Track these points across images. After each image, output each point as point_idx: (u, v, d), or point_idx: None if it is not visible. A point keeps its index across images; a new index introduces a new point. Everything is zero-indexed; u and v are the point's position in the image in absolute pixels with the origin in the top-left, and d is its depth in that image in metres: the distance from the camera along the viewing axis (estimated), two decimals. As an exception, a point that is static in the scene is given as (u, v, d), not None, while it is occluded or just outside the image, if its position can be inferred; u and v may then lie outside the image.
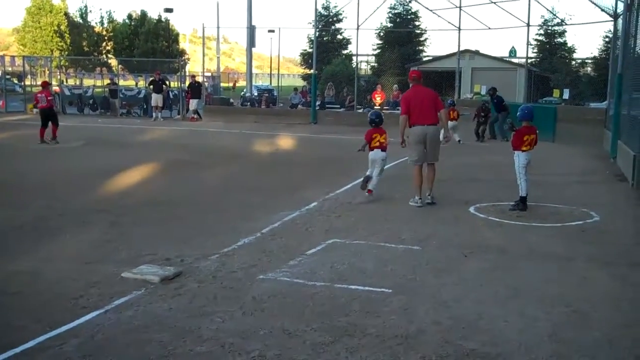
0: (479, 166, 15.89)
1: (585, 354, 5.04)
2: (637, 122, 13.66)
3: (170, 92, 31.65)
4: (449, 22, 39.78)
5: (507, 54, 45.68)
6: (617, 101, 18.05)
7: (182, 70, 36.32)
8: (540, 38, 52.54)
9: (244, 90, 43.85)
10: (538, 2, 27.68)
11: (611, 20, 23.86)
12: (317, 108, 31.17)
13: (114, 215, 9.69)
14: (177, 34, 57.81)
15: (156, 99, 29.92)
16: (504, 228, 9.50)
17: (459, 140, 21.52)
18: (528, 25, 27.50)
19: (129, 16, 57.37)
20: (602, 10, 24.29)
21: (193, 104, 30.15)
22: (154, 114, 30.06)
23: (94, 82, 37.18)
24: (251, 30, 35.08)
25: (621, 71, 18.27)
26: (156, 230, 8.88)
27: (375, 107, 32.01)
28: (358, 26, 31.59)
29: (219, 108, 32.83)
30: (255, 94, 42.59)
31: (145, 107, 32.38)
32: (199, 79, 34.03)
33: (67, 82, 37.57)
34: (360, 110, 32.75)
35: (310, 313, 5.77)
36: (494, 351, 5.04)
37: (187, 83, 31.42)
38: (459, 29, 29.64)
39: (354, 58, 61.14)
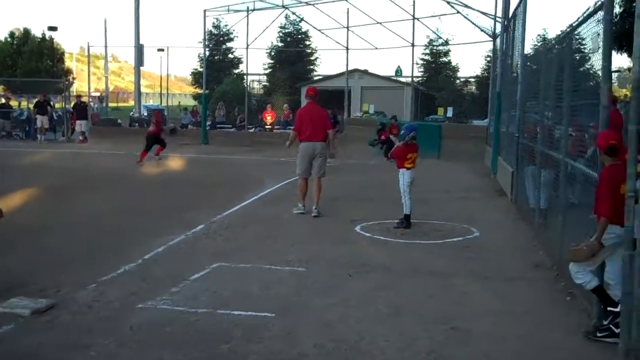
0: (368, 184, 16.12)
1: (463, 371, 5.14)
2: (514, 139, 14.22)
3: (54, 114, 30.54)
4: (337, 42, 40.53)
5: (394, 73, 46.79)
6: (496, 118, 18.78)
7: (67, 90, 35.17)
8: (427, 57, 54.35)
9: (132, 110, 42.95)
10: (422, 24, 28.38)
11: (490, 40, 24.88)
12: (208, 128, 30.89)
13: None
14: (63, 53, 55.99)
15: (41, 121, 28.73)
16: (388, 246, 9.65)
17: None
18: (413, 45, 28.28)
19: (11, 34, 55.19)
20: (482, 30, 25.30)
21: (80, 125, 29.20)
22: (38, 137, 28.84)
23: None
24: (139, 49, 34.46)
25: (499, 89, 19.04)
26: (29, 259, 8.42)
27: (266, 127, 32.14)
28: (247, 45, 31.61)
29: (106, 129, 31.95)
30: (145, 113, 41.75)
31: (27, 129, 31.07)
32: (85, 99, 33.02)
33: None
34: (252, 130, 32.74)
35: (190, 342, 5.61)
36: (375, 373, 5.06)
37: (72, 104, 30.40)
38: (347, 48, 30.17)
39: (245, 77, 61.70)
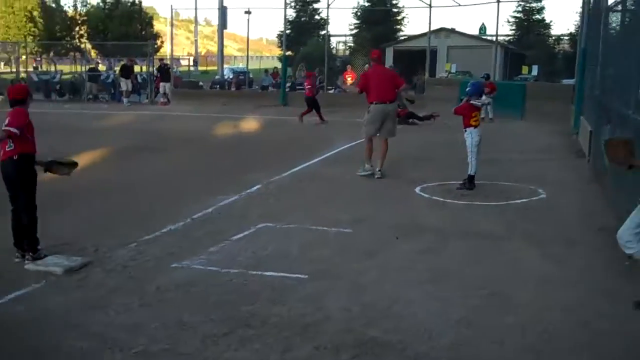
0: (440, 144, 15.58)
1: (493, 341, 4.78)
2: (594, 97, 13.40)
3: (139, 76, 31.11)
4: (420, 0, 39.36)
5: (478, 32, 45.25)
6: (580, 77, 17.83)
7: (155, 54, 35.68)
8: (519, 15, 52.22)
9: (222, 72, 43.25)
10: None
11: (579, -5, 23.53)
12: (288, 90, 30.75)
13: (39, 201, 9.25)
14: (152, 17, 56.90)
15: (126, 84, 29.36)
16: (445, 208, 9.25)
17: (492, 118, 21.22)
18: (498, 1, 27.08)
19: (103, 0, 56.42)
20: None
21: (164, 87, 29.62)
22: (123, 99, 29.48)
23: (70, 68, 36.61)
24: (222, 11, 34.53)
25: (585, 45, 18.01)
26: (81, 218, 8.50)
27: (345, 87, 31.74)
28: (329, 4, 31.11)
29: (188, 92, 32.30)
30: (231, 76, 42.04)
31: (113, 92, 31.81)
32: (168, 62, 33.43)
33: (41, 67, 36.88)
34: (331, 91, 32.39)
35: (213, 303, 5.47)
36: (395, 338, 4.78)
37: (157, 67, 30.81)
38: (430, 5, 29.15)
39: (326, 38, 61.13)
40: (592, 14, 17.48)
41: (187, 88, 33.19)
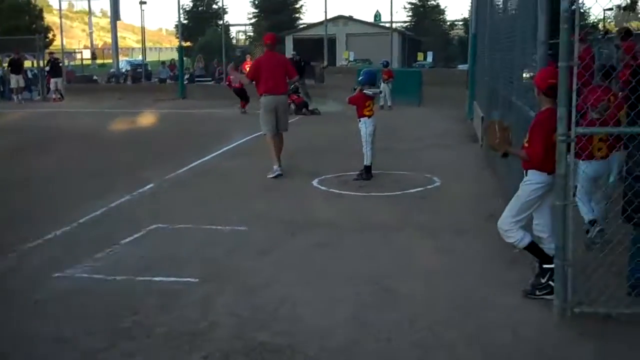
0: (339, 135, 15.55)
1: (381, 338, 4.74)
2: (485, 83, 13.69)
3: (29, 72, 29.69)
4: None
5: (373, 18, 45.83)
6: (472, 62, 18.22)
7: (42, 48, 34.17)
8: (414, 1, 53.20)
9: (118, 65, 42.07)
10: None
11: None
12: (186, 82, 30.21)
13: None
14: (41, 9, 54.69)
15: (17, 80, 27.89)
16: (342, 200, 9.23)
17: (390, 106, 21.32)
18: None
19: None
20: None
21: (55, 83, 28.46)
22: (14, 97, 28.03)
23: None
24: (114, 1, 33.49)
25: (475, 31, 18.39)
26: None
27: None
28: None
29: (82, 87, 31.26)
30: (128, 69, 41.03)
31: (2, 89, 30.36)
32: (59, 57, 32.16)
33: None
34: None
35: (95, 315, 5.20)
36: (285, 342, 4.66)
37: (46, 61, 29.57)
38: (325, -6, 29.21)
39: (231, 28, 60.57)
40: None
41: (81, 83, 32.10)
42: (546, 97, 5.14)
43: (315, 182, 10.25)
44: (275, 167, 10.81)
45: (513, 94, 8.28)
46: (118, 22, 41.83)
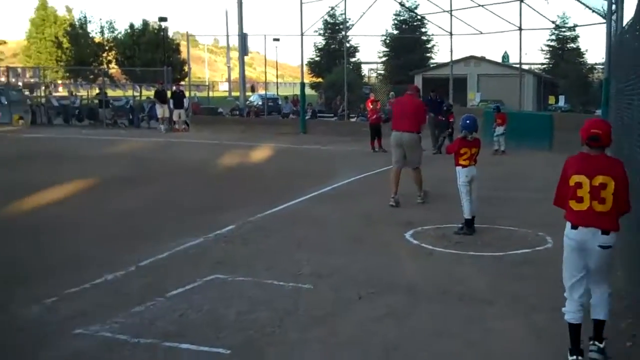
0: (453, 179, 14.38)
1: None
2: (617, 130, 12.13)
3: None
4: (439, 27, 38.29)
5: (515, 60, 43.96)
6: (604, 108, 16.55)
7: (182, 80, 34.93)
8: (553, 43, 50.95)
9: (245, 99, 42.63)
10: (528, 6, 25.67)
11: (604, 23, 22.16)
12: (308, 117, 29.85)
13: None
14: (178, 44, 56.73)
15: (162, 110, 28.19)
16: (431, 259, 8.08)
17: (503, 150, 20.11)
18: (520, 29, 25.81)
19: (131, 26, 56.55)
20: (593, 11, 22.60)
21: (176, 114, 28.76)
22: (161, 126, 28.30)
23: (88, 92, 36.31)
24: (242, 37, 33.92)
25: (608, 75, 16.75)
26: (7, 265, 7.52)
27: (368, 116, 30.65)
28: (345, 33, 30.17)
29: (208, 118, 31.53)
30: (260, 102, 41.36)
31: (131, 117, 31.24)
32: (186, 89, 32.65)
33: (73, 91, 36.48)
34: (354, 120, 31.38)
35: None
36: None
37: (171, 93, 29.99)
38: (451, 34, 28.01)
39: (362, 66, 60.37)
40: (615, 41, 16.24)
41: (206, 114, 32.45)
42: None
43: (408, 234, 9.17)
44: (391, 195, 11.42)
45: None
46: (258, 58, 42.50)
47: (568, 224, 5.03)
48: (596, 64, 48.02)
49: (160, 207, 11.21)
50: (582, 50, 50.25)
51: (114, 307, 6.04)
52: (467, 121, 9.46)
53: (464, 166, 9.29)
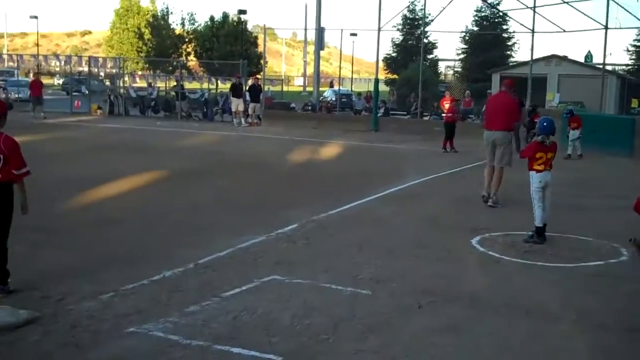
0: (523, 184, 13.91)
1: None
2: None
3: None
4: (522, 24, 37.26)
5: (598, 60, 42.41)
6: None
7: (257, 73, 34.97)
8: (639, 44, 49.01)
9: (318, 94, 42.54)
10: (616, 3, 24.68)
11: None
12: (380, 114, 29.56)
13: (45, 233, 8.44)
14: (256, 37, 57.11)
15: (236, 104, 28.43)
16: (498, 267, 7.77)
17: (579, 154, 19.54)
18: (606, 28, 24.87)
19: (211, 18, 57.21)
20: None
21: (251, 107, 28.92)
22: (234, 120, 28.70)
23: (165, 84, 36.94)
24: (319, 31, 33.80)
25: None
26: (69, 256, 7.57)
27: (443, 115, 30.16)
28: (425, 27, 29.68)
29: (281, 113, 31.58)
30: (333, 98, 41.24)
31: (205, 110, 31.60)
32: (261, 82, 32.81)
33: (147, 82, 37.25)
34: (427, 118, 30.92)
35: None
36: None
37: (248, 86, 30.17)
38: (533, 31, 27.20)
39: (440, 63, 59.43)
40: None
41: (279, 109, 32.52)
42: None
43: (474, 241, 8.86)
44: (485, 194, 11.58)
45: None
46: (335, 52, 42.36)
47: None
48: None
49: (226, 203, 11.21)
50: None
51: (170, 306, 5.99)
52: (545, 123, 9.09)
53: (538, 171, 8.92)
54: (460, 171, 16.19)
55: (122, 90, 34.74)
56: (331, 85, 48.36)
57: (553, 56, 43.33)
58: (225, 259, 7.71)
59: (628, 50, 49.54)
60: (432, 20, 41.40)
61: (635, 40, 48.37)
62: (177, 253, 7.78)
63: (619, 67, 50.20)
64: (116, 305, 5.97)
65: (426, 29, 41.12)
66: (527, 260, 8.00)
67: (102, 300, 6.08)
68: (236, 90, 28.39)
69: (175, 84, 34.69)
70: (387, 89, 52.99)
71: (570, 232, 9.41)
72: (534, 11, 26.64)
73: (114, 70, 37.43)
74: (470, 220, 10.20)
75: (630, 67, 49.47)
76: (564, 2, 25.88)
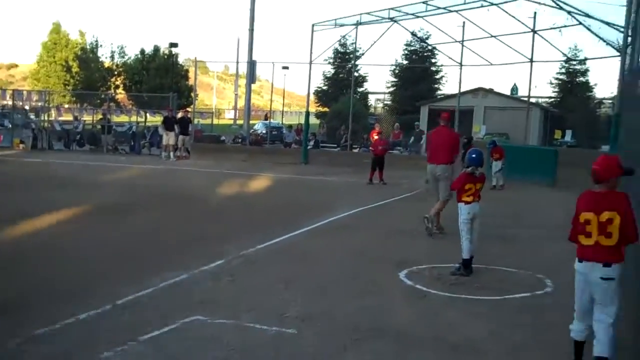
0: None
1: None
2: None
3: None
4: (450, 58, 38.24)
5: (523, 92, 43.64)
6: (612, 144, 16.21)
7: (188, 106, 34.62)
8: (562, 77, 50.56)
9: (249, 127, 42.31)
10: (541, 37, 25.48)
11: (618, 56, 21.86)
12: (310, 147, 29.57)
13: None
14: (187, 70, 56.60)
15: (167, 137, 27.76)
16: (423, 302, 7.69)
17: (502, 185, 19.77)
18: (532, 61, 25.60)
19: (142, 51, 56.50)
20: (608, 44, 22.35)
21: (181, 140, 28.45)
22: (163, 153, 28.06)
23: (92, 117, 36.15)
24: (251, 65, 33.68)
25: (618, 111, 16.43)
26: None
27: (370, 147, 30.38)
28: (354, 61, 29.98)
29: (210, 146, 31.25)
30: (264, 131, 41.11)
31: (133, 144, 30.99)
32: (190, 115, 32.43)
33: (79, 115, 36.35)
34: (356, 150, 31.08)
35: None
36: None
37: (178, 118, 29.65)
38: (461, 64, 27.79)
39: (370, 96, 60.11)
40: (628, 76, 15.93)
41: (208, 142, 32.16)
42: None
43: (402, 274, 8.78)
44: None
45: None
46: (267, 86, 42.28)
47: (577, 258, 5.32)
48: (604, 98, 47.63)
49: (150, 238, 10.86)
50: (591, 84, 49.86)
51: (82, 351, 5.66)
52: (473, 155, 9.15)
53: (467, 202, 8.94)
54: (389, 203, 16.24)
55: (46, 124, 33.80)
56: (265, 118, 48.33)
57: (480, 89, 44.37)
58: (145, 298, 7.39)
59: (551, 83, 51.03)
60: (362, 54, 41.86)
61: (558, 73, 49.85)
62: (94, 292, 7.43)
63: (543, 100, 51.69)
64: (23, 354, 5.60)
65: (357, 62, 41.62)
66: (453, 294, 7.95)
67: (8, 348, 5.70)
68: (168, 123, 27.94)
69: (101, 117, 33.96)
70: (317, 121, 53.16)
71: (496, 264, 9.45)
72: (463, 45, 27.23)
73: (39, 104, 36.39)
74: (398, 252, 10.15)
75: (553, 99, 50.94)
76: (492, 37, 26.52)
